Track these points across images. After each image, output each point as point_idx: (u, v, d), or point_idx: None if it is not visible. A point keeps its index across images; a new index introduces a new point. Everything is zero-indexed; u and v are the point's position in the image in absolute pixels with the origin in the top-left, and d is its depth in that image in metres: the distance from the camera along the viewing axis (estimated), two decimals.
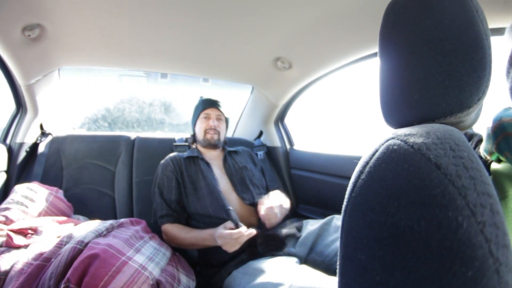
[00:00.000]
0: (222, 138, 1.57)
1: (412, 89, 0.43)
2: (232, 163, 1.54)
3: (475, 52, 0.39)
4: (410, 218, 0.30)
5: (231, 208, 1.25)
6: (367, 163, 0.37)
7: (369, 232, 0.33)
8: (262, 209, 1.22)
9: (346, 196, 0.38)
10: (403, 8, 0.46)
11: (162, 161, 1.47)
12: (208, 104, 1.54)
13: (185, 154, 1.50)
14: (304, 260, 1.17)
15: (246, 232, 1.09)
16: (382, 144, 0.37)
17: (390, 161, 0.34)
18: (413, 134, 0.36)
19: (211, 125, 1.52)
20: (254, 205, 1.32)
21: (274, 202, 1.26)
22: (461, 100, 0.40)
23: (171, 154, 1.50)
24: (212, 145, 1.54)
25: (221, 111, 1.56)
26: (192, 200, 1.33)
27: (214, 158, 1.55)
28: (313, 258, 1.17)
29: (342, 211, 0.39)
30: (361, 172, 0.37)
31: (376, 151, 0.37)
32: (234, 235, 1.08)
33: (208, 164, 1.46)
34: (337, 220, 1.27)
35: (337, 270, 0.37)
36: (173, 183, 1.38)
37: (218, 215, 1.25)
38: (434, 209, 0.29)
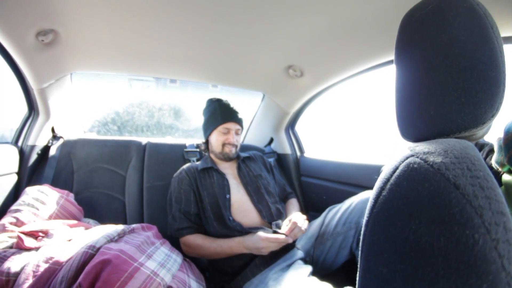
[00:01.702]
0: (238, 150, 1.57)
1: (428, 105, 0.44)
2: (247, 171, 1.52)
3: (490, 69, 0.40)
4: (431, 235, 0.32)
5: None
6: (388, 179, 0.38)
7: (391, 246, 0.34)
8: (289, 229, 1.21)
9: (367, 211, 0.40)
10: (419, 22, 0.47)
11: (176, 174, 1.45)
12: (229, 117, 1.48)
13: (199, 165, 1.47)
14: (313, 247, 1.24)
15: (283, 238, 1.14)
16: (402, 162, 0.38)
17: (411, 179, 0.35)
18: (432, 152, 0.37)
19: (231, 141, 1.49)
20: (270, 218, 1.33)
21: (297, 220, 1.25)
22: (476, 117, 0.40)
23: (185, 166, 1.48)
24: (229, 159, 1.53)
25: (240, 125, 1.53)
26: (209, 214, 1.31)
27: (228, 167, 1.53)
28: (321, 240, 1.25)
29: (363, 225, 0.40)
30: (382, 188, 0.38)
31: (397, 168, 0.38)
32: (279, 239, 1.12)
33: (222, 176, 1.44)
34: (333, 208, 1.37)
35: (357, 282, 0.39)
36: (191, 197, 1.36)
37: (237, 228, 1.26)
38: (453, 227, 0.31)
